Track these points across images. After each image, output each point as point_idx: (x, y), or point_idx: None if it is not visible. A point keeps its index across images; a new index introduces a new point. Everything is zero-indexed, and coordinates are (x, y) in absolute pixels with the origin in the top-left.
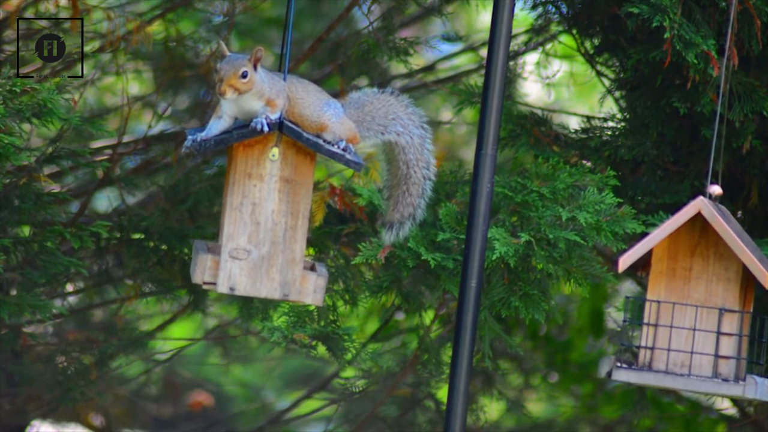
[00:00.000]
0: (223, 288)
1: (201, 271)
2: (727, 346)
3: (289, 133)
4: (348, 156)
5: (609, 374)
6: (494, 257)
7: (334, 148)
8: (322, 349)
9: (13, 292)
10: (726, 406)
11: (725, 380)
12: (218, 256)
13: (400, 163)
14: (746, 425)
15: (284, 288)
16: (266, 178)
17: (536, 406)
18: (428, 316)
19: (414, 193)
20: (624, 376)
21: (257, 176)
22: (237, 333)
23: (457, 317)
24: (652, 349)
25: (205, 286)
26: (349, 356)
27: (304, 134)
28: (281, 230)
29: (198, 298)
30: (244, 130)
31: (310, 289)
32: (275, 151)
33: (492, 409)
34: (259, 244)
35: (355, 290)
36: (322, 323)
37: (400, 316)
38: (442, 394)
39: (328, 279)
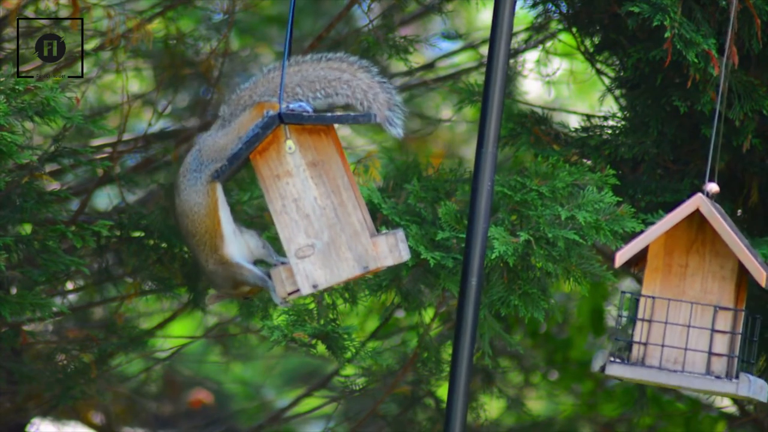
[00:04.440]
0: (306, 289)
1: (280, 285)
2: (721, 344)
3: (291, 120)
4: (353, 114)
5: (602, 369)
6: (493, 256)
7: (338, 114)
8: (321, 347)
9: (14, 291)
10: (726, 405)
11: (718, 377)
12: (288, 264)
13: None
14: (746, 423)
15: (361, 261)
16: (294, 172)
17: (536, 404)
18: (428, 315)
19: (367, 87)
20: (617, 371)
21: (285, 174)
22: (237, 331)
23: (458, 315)
24: (645, 344)
25: (290, 297)
26: (348, 355)
27: (305, 114)
28: (331, 212)
29: (198, 296)
30: (250, 138)
31: (386, 251)
32: (289, 143)
33: (492, 407)
34: (319, 233)
35: (355, 288)
36: (322, 322)
37: (400, 314)
38: (442, 392)
39: (400, 233)
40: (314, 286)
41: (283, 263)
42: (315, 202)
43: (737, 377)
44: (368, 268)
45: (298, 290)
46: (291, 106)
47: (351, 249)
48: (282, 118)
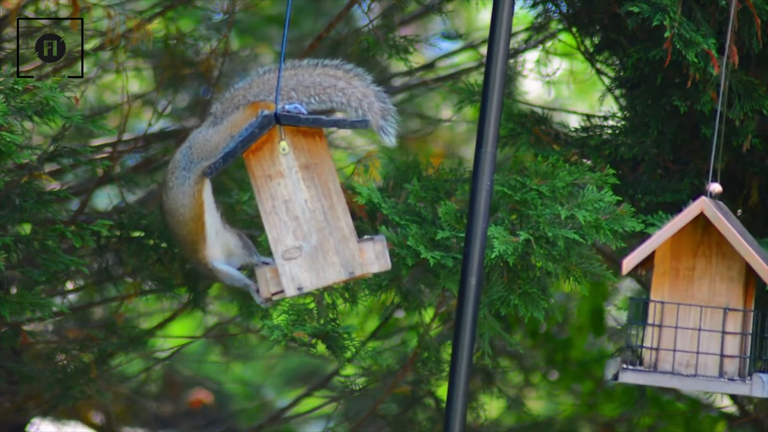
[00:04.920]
0: (291, 291)
1: (264, 285)
2: (732, 345)
3: (287, 121)
4: (350, 119)
5: (615, 376)
6: (493, 255)
7: (335, 118)
8: (321, 347)
9: (14, 290)
10: (726, 404)
11: (731, 379)
12: (274, 265)
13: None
14: (746, 423)
15: (347, 266)
16: (286, 173)
17: (536, 404)
18: (428, 314)
19: (362, 95)
20: (631, 378)
21: (277, 174)
22: (237, 331)
23: (457, 315)
24: (657, 350)
25: (274, 298)
26: (348, 354)
27: (302, 117)
28: (321, 215)
29: (198, 296)
30: (246, 137)
31: (372, 257)
32: (283, 144)
33: (492, 407)
34: (307, 236)
35: (355, 288)
36: (322, 321)
37: (400, 314)
38: (442, 391)
39: (385, 241)
40: (299, 289)
41: (264, 263)
42: (305, 204)
43: (750, 378)
44: (354, 274)
45: (282, 291)
46: (286, 107)
47: (338, 253)
48: (278, 119)
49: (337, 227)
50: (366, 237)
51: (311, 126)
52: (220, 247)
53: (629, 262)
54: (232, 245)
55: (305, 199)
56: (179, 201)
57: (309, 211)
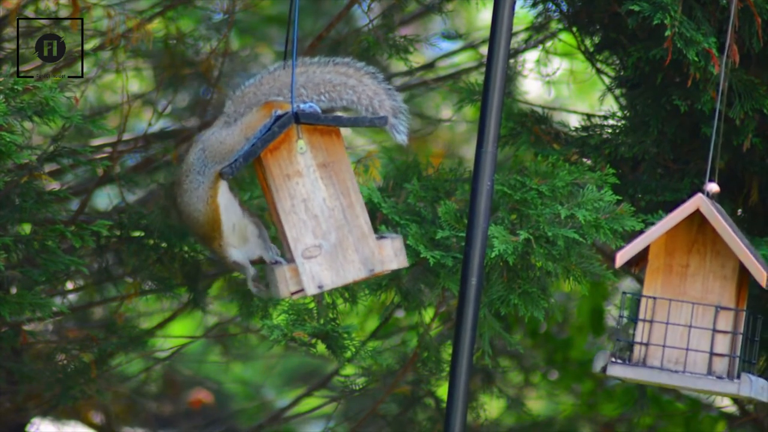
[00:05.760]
0: (311, 290)
1: (284, 284)
2: (722, 344)
3: (306, 120)
4: (369, 116)
5: (603, 369)
6: (493, 255)
7: (354, 117)
8: (321, 347)
9: (14, 291)
10: (726, 404)
11: (720, 378)
12: (294, 264)
13: (358, 106)
14: (746, 423)
15: (367, 264)
16: (304, 172)
17: (536, 404)
18: (428, 314)
19: (373, 93)
20: (619, 371)
21: (296, 173)
22: (237, 331)
23: (458, 315)
24: (647, 345)
25: (294, 297)
26: (348, 354)
27: (321, 115)
28: (340, 213)
29: (198, 296)
30: (266, 135)
31: (391, 254)
32: (301, 143)
33: (492, 406)
34: (326, 234)
35: (355, 288)
36: (322, 321)
37: (400, 314)
38: (442, 391)
39: (402, 239)
40: (320, 287)
41: (277, 262)
42: (324, 203)
43: (738, 377)
44: (374, 271)
45: (302, 290)
46: (301, 106)
47: (358, 251)
48: (297, 118)
49: (356, 225)
50: (385, 234)
51: (330, 125)
52: (236, 237)
53: (623, 255)
54: (249, 233)
55: (324, 197)
56: (193, 205)
57: (328, 210)
